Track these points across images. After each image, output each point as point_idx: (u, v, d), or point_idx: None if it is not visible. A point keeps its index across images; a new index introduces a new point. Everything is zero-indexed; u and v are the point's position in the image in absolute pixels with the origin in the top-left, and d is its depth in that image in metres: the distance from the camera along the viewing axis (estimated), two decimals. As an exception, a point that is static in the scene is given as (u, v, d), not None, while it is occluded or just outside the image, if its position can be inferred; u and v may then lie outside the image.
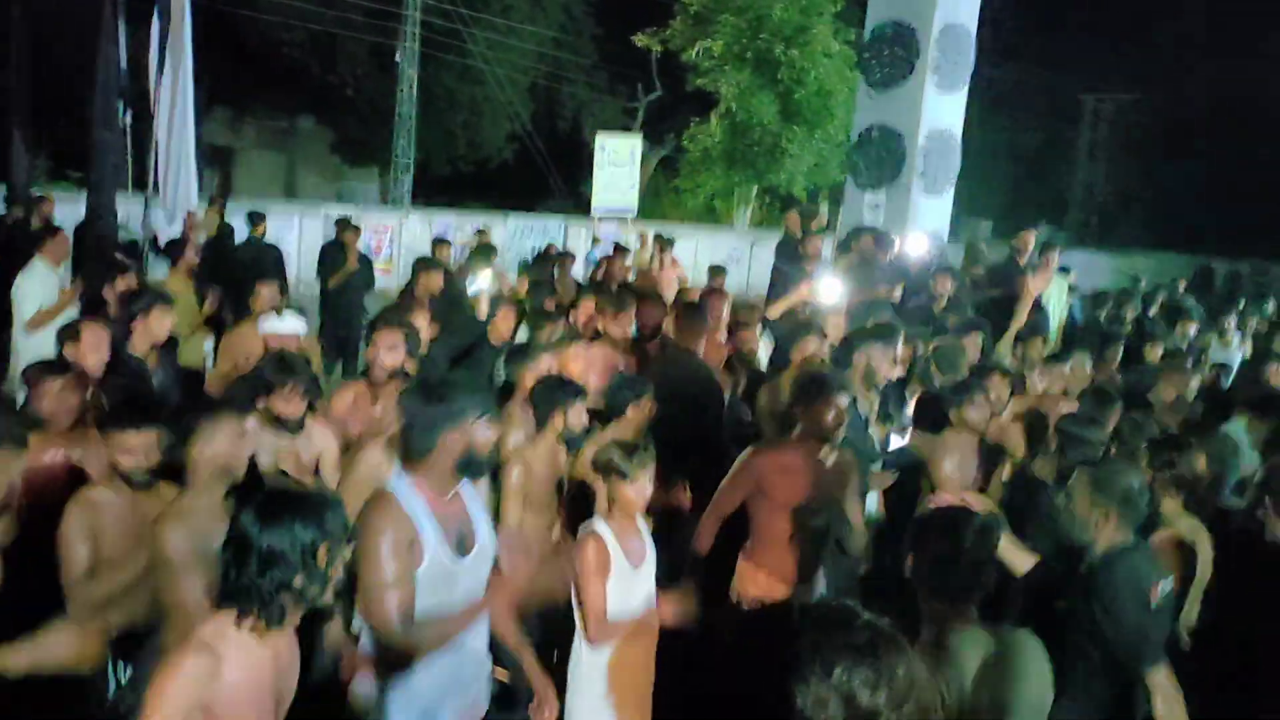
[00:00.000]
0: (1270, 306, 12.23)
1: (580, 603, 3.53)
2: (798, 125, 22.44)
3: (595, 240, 16.16)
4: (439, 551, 2.90)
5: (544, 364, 4.84)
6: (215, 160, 26.98)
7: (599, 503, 3.65)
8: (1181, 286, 13.41)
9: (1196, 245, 28.59)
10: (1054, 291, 10.36)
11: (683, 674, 3.64)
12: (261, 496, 2.39)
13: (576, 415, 4.32)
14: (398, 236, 18.75)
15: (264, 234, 10.63)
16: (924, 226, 10.91)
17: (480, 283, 6.59)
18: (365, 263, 10.19)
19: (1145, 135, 33.48)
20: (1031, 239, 9.28)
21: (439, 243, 9.91)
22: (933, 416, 5.50)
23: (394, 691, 2.94)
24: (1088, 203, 35.45)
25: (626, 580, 3.54)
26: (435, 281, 7.17)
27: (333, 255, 9.83)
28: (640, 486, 3.53)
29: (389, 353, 4.56)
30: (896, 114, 11.08)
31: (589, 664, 3.56)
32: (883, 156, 11.07)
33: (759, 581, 4.11)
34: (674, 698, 3.67)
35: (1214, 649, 3.86)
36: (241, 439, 3.33)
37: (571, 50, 25.73)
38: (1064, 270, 10.13)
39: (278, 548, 2.28)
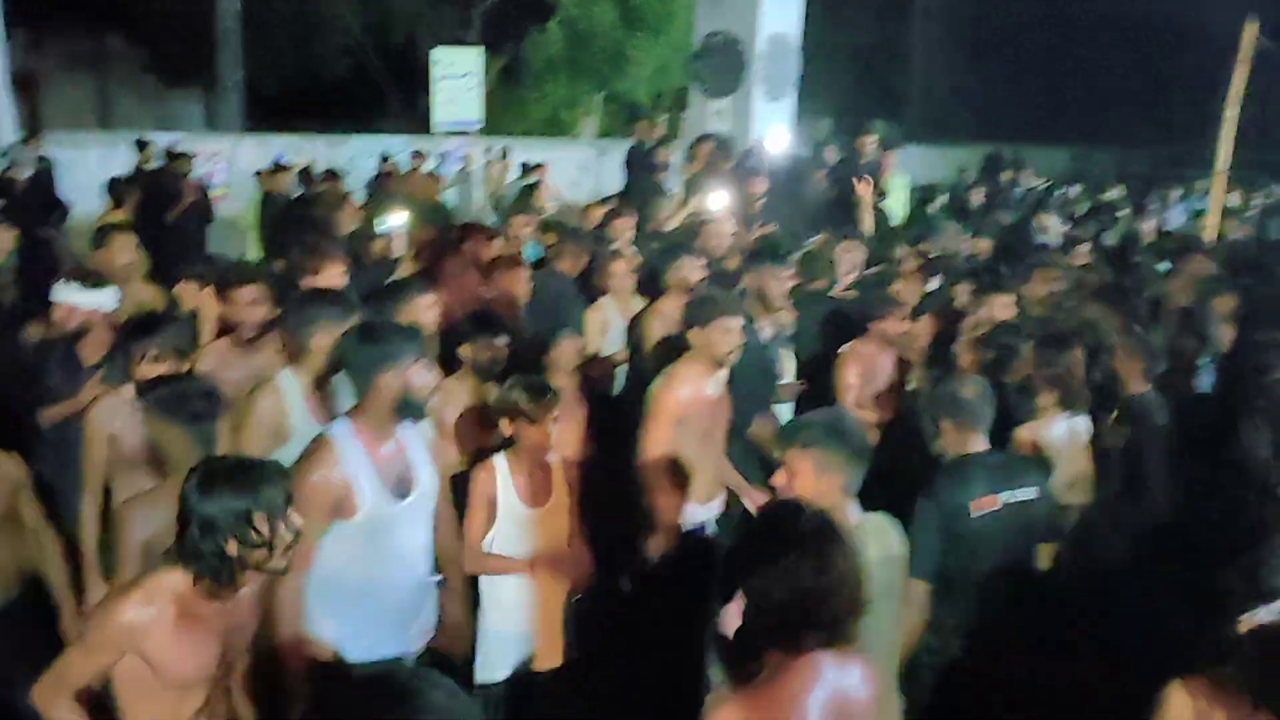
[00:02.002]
0: (1075, 192, 12.90)
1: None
2: (640, 31, 22.24)
3: (455, 158, 15.91)
4: (377, 499, 2.97)
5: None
6: (20, 88, 24.90)
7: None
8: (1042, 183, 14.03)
9: (1025, 136, 29.94)
10: (894, 190, 10.81)
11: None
12: (202, 466, 2.48)
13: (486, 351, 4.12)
14: (232, 161, 17.89)
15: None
16: (766, 131, 11.13)
17: (392, 222, 6.15)
18: (202, 193, 9.78)
19: (975, 29, 34.51)
20: (869, 142, 9.59)
21: (278, 169, 9.58)
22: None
23: (338, 627, 3.03)
24: (923, 98, 36.51)
25: (517, 520, 3.54)
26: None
27: (165, 187, 9.38)
28: (545, 431, 3.51)
29: (252, 309, 4.13)
30: (735, 19, 11.17)
31: (505, 589, 3.58)
32: (725, 64, 11.19)
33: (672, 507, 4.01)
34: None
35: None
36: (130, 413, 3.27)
37: (401, -43, 24.64)
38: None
39: (212, 516, 2.40)
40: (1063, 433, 4.20)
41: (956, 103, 34.47)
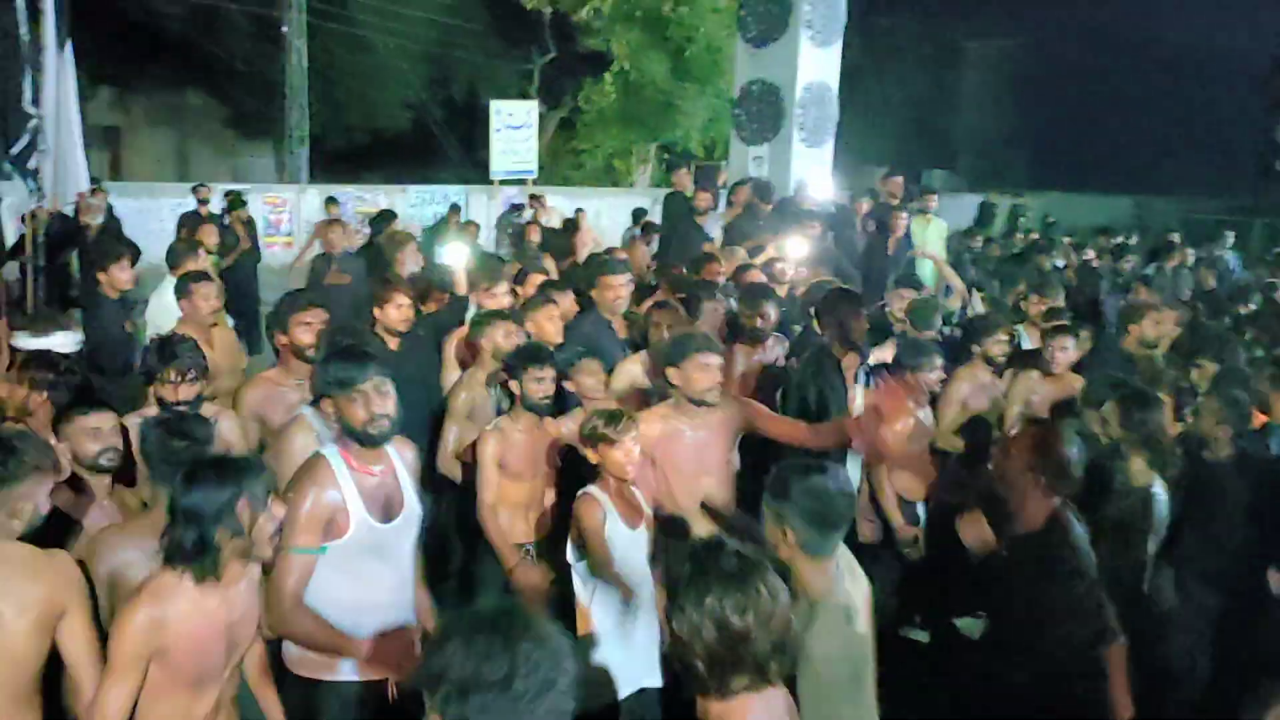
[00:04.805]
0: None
1: (583, 558, 3.66)
2: (689, 83, 22.71)
3: (517, 207, 16.36)
4: (364, 519, 3.07)
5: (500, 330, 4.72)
6: (103, 141, 26.21)
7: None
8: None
9: (1084, 184, 29.79)
10: (932, 235, 10.92)
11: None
12: (189, 464, 2.66)
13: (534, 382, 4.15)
14: (296, 210, 18.61)
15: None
16: (806, 177, 11.33)
17: (453, 256, 6.21)
18: (252, 240, 10.26)
19: (1027, 78, 34.53)
20: (899, 184, 9.75)
21: (330, 202, 9.94)
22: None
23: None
24: (976, 147, 36.47)
25: (624, 542, 3.65)
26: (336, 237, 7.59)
27: (223, 234, 9.85)
28: (626, 450, 3.59)
29: (309, 331, 4.21)
30: (775, 69, 11.43)
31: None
32: (763, 111, 11.43)
33: None
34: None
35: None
36: (99, 435, 3.32)
37: (462, 15, 25.51)
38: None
39: (195, 507, 2.54)
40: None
41: (1011, 151, 34.33)
